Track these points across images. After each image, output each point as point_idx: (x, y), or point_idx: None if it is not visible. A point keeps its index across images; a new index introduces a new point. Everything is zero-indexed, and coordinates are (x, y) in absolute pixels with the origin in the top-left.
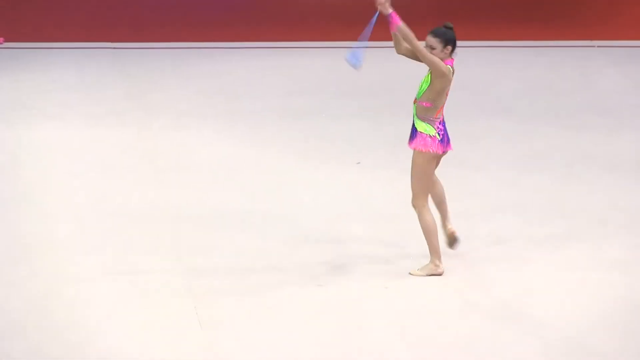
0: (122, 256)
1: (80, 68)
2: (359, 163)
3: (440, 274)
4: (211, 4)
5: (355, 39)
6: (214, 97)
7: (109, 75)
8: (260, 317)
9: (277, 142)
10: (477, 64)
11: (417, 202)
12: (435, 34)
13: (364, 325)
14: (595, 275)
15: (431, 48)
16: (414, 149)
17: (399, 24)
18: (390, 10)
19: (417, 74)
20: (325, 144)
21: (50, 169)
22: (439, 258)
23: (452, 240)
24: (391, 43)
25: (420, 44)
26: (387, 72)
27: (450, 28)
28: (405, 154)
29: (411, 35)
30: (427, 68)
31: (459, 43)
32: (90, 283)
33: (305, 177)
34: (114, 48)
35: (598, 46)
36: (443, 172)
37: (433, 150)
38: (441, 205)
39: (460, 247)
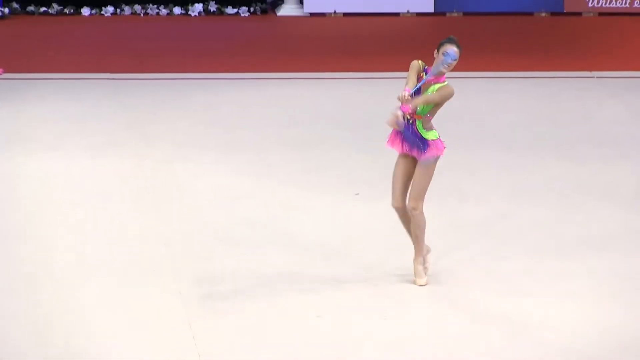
0: (122, 285)
1: (79, 99)
2: (357, 194)
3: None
4: (210, 36)
5: (354, 70)
6: (213, 128)
7: (108, 106)
8: (259, 347)
9: (275, 172)
10: (475, 94)
11: (419, 205)
12: (459, 47)
13: (363, 354)
14: (593, 305)
15: (453, 59)
16: (429, 158)
17: (410, 109)
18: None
19: None
20: (323, 174)
21: (49, 199)
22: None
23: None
24: (389, 74)
25: (430, 97)
26: (384, 103)
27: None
28: None
29: (420, 100)
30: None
31: (457, 74)
32: (91, 312)
33: (304, 208)
34: (113, 79)
35: (597, 77)
36: (441, 204)
37: (444, 150)
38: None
39: (459, 278)
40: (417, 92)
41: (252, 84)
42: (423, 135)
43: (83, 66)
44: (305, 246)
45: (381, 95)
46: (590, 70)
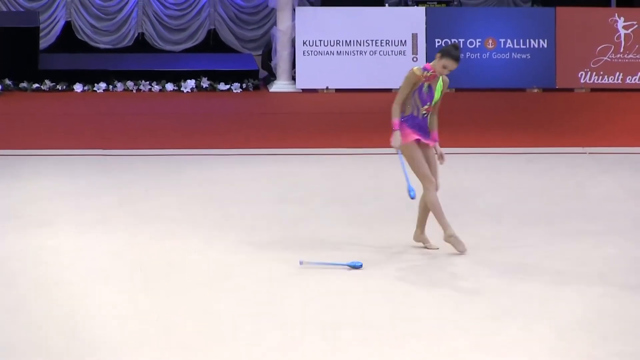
0: None
1: (71, 175)
2: (350, 269)
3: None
4: (202, 112)
5: (346, 146)
6: (205, 205)
7: (100, 183)
8: None
9: (268, 249)
10: (467, 170)
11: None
12: (458, 59)
13: None
14: None
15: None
16: (435, 144)
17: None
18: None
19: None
20: (316, 250)
21: (41, 276)
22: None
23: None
24: (382, 150)
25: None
26: (377, 179)
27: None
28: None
29: (435, 124)
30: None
31: (449, 149)
32: None
33: (296, 284)
34: (106, 155)
35: (589, 153)
36: (433, 278)
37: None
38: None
39: (455, 355)
40: (430, 93)
41: (244, 160)
42: (429, 123)
43: (75, 142)
44: (297, 324)
45: (374, 171)
46: (583, 146)
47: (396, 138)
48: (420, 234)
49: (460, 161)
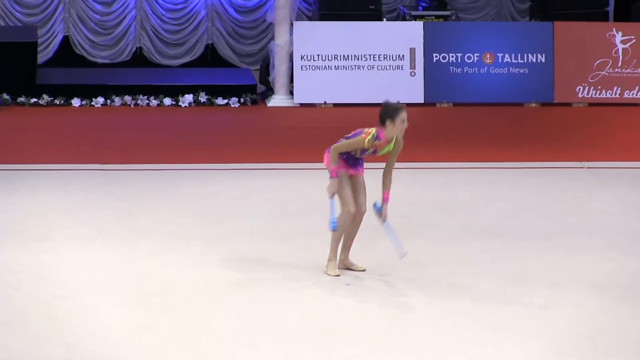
0: None
1: (69, 190)
2: (347, 284)
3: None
4: (200, 126)
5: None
6: (202, 219)
7: (97, 197)
8: None
9: (264, 264)
10: (465, 185)
11: None
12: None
13: None
14: None
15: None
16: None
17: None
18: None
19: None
20: (313, 265)
21: (39, 290)
22: None
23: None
24: (380, 164)
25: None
26: (376, 194)
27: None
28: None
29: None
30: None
31: (446, 164)
32: None
33: (293, 300)
34: (103, 170)
35: (587, 167)
36: (431, 293)
37: None
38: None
39: None
40: (373, 153)
41: (242, 174)
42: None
43: (73, 157)
44: (293, 341)
45: (371, 185)
46: (581, 160)
47: (332, 185)
48: (344, 259)
49: (457, 175)
